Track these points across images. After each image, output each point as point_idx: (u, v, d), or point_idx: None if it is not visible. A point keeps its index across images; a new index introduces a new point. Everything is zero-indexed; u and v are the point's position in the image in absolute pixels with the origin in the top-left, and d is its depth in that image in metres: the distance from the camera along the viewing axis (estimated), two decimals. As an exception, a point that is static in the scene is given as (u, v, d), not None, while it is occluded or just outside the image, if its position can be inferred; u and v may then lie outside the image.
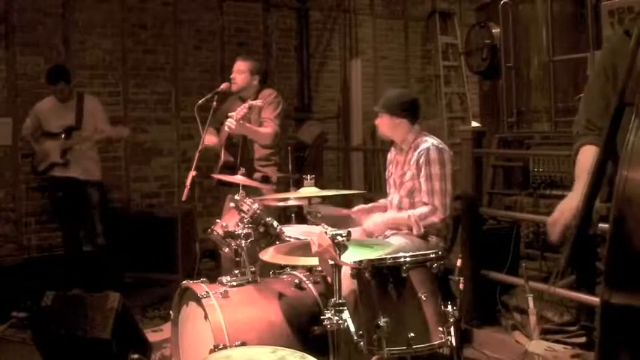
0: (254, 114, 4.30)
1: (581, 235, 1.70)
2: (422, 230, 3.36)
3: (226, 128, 4.07)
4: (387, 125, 3.58)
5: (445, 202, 3.38)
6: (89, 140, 5.21)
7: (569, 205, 1.96)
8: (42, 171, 5.25)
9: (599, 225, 2.05)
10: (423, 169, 3.40)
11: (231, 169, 4.13)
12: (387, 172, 3.75)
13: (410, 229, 3.40)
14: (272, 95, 4.34)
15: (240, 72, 4.36)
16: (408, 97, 3.67)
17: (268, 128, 4.22)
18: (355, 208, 3.79)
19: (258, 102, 4.07)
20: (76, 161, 5.18)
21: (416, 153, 3.45)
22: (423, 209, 3.38)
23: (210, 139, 4.17)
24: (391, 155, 3.72)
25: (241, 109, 3.97)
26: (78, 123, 5.17)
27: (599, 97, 2.08)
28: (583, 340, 3.85)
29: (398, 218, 3.48)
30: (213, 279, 3.19)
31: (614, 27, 4.20)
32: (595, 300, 3.70)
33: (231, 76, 4.39)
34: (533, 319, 3.73)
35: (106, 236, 5.26)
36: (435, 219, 3.36)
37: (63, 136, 5.13)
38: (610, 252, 1.54)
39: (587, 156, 2.04)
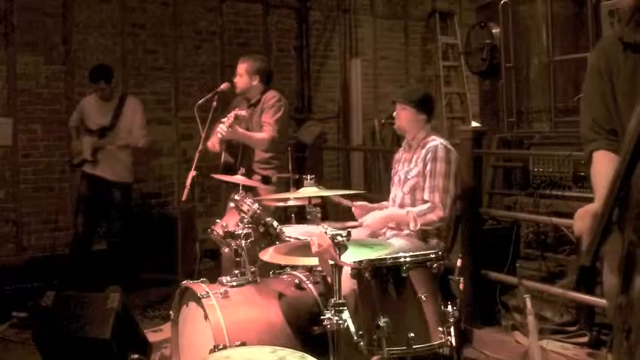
0: (256, 116, 4.30)
1: (605, 236, 1.71)
2: (419, 227, 3.35)
3: (218, 134, 4.08)
4: (408, 118, 3.59)
5: (446, 200, 3.38)
6: (116, 143, 5.27)
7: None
8: (76, 165, 5.37)
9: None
10: (428, 165, 3.42)
11: (230, 171, 4.13)
12: (392, 171, 3.76)
13: (408, 226, 3.39)
14: (274, 99, 4.31)
15: (240, 75, 4.36)
16: (430, 95, 3.74)
17: (265, 133, 4.20)
18: (358, 203, 3.77)
19: (242, 112, 4.06)
20: (106, 161, 5.27)
21: (424, 150, 3.48)
22: (423, 206, 3.39)
23: (212, 142, 4.19)
24: (398, 155, 3.74)
25: (229, 118, 3.98)
26: (112, 124, 5.27)
27: (600, 98, 2.06)
28: (584, 340, 3.84)
29: (397, 214, 3.48)
30: (213, 279, 3.19)
31: (614, 27, 4.20)
32: (595, 300, 3.70)
33: (234, 80, 4.39)
34: (531, 319, 3.72)
35: (121, 236, 5.32)
36: (433, 217, 3.36)
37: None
38: None
39: (604, 163, 2.01)
